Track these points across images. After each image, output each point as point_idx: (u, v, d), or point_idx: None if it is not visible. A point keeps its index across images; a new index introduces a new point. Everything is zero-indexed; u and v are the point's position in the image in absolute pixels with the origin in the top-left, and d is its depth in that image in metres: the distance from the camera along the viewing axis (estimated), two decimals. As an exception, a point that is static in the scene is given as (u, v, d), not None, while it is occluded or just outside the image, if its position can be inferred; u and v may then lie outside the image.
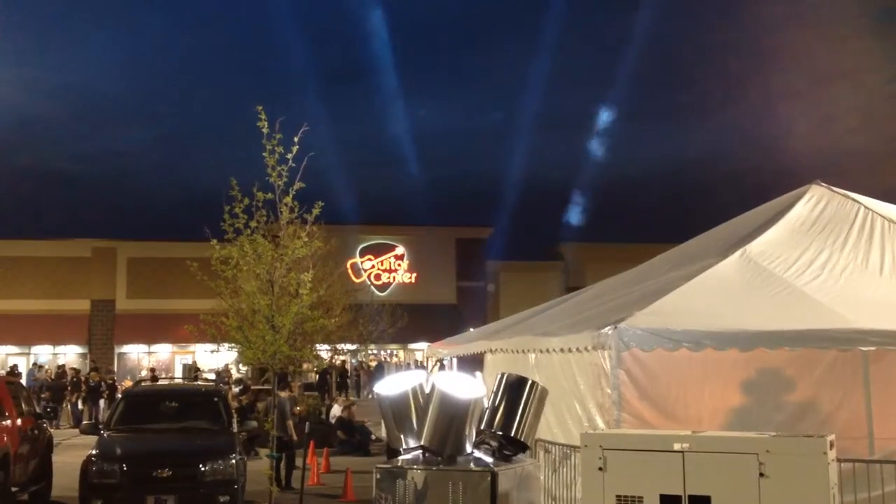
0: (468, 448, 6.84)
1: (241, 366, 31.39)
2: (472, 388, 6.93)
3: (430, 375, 7.54)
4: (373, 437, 21.40)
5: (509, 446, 6.99)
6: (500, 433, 6.95)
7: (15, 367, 34.16)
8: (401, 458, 7.00)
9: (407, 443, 6.97)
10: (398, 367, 38.56)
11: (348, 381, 36.26)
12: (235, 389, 25.25)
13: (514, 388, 7.16)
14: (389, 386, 7.18)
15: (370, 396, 34.41)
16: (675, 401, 9.44)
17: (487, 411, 7.06)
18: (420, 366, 34.59)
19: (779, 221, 11.50)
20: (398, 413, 7.03)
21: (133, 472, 11.17)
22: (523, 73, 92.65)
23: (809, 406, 9.74)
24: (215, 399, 13.51)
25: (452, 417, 6.76)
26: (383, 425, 7.30)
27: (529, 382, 7.23)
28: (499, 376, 7.34)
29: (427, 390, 7.02)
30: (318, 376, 31.94)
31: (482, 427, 6.99)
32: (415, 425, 6.95)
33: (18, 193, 73.39)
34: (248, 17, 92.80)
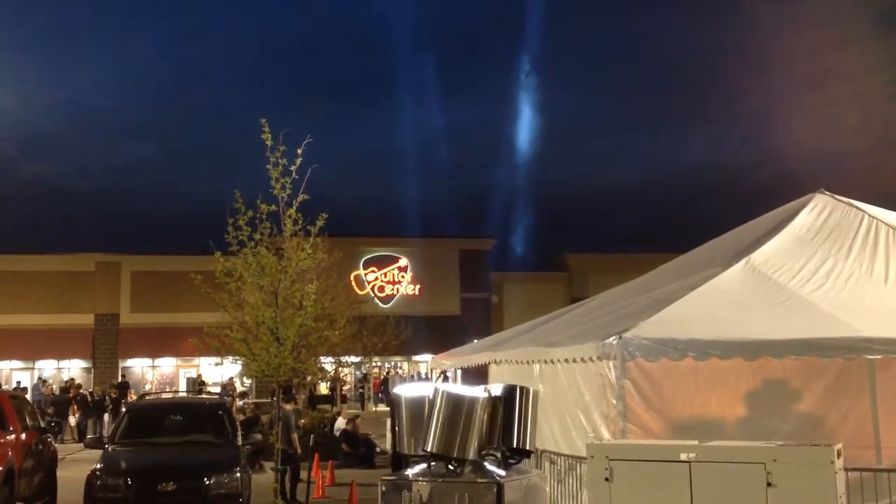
0: (472, 454, 6.75)
1: (244, 378, 31.37)
2: (475, 391, 7.05)
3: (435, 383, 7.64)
4: (378, 449, 21.33)
5: (514, 455, 6.97)
6: (503, 445, 6.94)
7: (19, 384, 34.20)
8: (407, 470, 6.97)
9: (416, 450, 6.93)
10: (402, 379, 38.48)
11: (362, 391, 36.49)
12: (239, 403, 25.23)
13: (507, 400, 7.10)
14: (408, 389, 7.37)
15: (375, 409, 34.34)
16: (680, 411, 9.41)
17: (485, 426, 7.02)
18: (424, 378, 34.54)
19: (783, 230, 11.48)
20: (415, 415, 7.03)
21: (137, 486, 11.14)
22: (526, 82, 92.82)
23: (816, 415, 9.70)
24: (220, 412, 13.48)
25: (457, 416, 6.71)
26: (396, 432, 7.31)
27: (518, 389, 7.18)
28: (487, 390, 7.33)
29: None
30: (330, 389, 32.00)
31: (484, 442, 6.96)
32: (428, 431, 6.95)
33: (22, 208, 73.60)
34: (248, 30, 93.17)
